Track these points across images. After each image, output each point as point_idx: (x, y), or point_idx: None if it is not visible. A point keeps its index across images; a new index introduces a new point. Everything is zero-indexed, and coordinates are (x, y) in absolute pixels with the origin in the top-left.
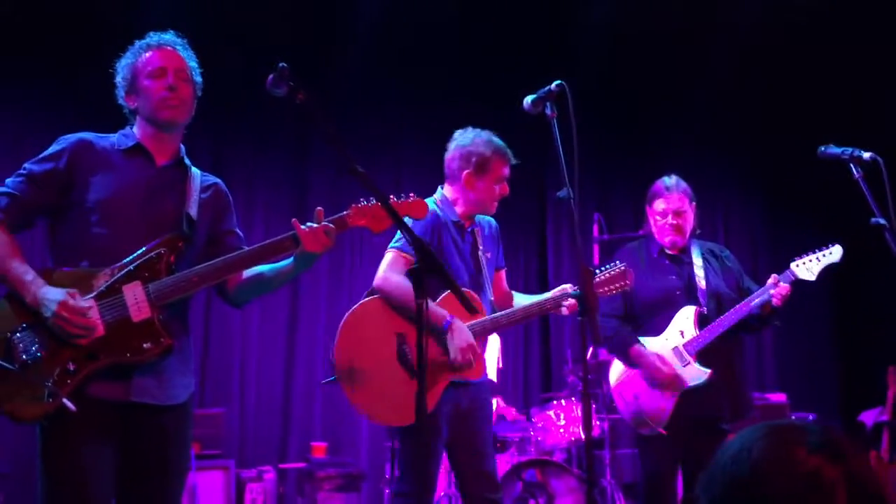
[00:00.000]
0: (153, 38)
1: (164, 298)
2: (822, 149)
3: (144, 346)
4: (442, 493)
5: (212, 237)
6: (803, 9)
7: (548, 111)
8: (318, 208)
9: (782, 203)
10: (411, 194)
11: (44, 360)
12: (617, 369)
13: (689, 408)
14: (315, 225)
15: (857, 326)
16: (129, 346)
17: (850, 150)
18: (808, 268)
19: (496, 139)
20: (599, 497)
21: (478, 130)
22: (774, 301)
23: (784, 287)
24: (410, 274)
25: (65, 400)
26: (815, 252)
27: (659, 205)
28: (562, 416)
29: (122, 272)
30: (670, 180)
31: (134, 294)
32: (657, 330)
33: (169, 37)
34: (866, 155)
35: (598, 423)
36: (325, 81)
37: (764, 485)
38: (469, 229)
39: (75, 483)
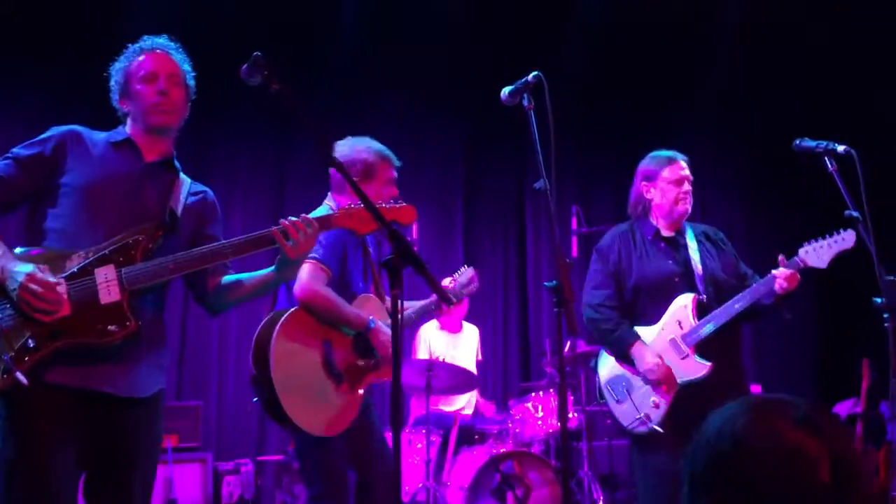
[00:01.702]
0: (146, 41)
1: (136, 283)
2: (798, 142)
3: (109, 328)
4: (420, 485)
5: (194, 241)
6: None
7: (525, 102)
8: (298, 218)
9: (761, 195)
10: (400, 200)
11: (3, 334)
12: (608, 364)
13: (687, 404)
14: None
15: (831, 319)
16: (93, 328)
17: (824, 143)
18: (818, 254)
19: (377, 144)
20: (576, 488)
21: (357, 138)
22: (778, 288)
23: (785, 272)
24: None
25: (17, 374)
26: (826, 238)
27: (672, 173)
28: (540, 407)
29: (96, 255)
30: (670, 152)
31: (105, 276)
32: (653, 319)
33: (162, 41)
34: (840, 148)
35: (574, 414)
36: (311, 74)
37: (747, 458)
38: (363, 238)
39: (34, 467)
